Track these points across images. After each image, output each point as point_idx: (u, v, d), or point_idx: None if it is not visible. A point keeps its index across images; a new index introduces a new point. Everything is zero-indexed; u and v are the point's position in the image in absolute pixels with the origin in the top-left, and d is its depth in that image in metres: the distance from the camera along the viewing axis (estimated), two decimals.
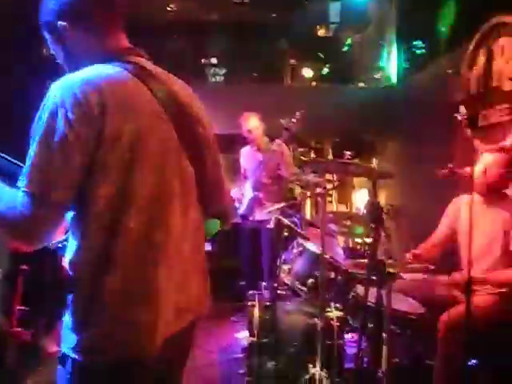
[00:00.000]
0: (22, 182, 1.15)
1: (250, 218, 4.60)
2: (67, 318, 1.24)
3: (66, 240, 1.32)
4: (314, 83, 7.41)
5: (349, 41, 6.41)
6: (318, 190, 2.63)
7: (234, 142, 4.93)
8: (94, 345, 1.20)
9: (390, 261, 2.66)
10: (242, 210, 4.65)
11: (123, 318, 1.21)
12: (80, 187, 1.17)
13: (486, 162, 2.94)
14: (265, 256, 4.49)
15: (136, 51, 1.36)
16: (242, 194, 4.72)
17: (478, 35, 3.75)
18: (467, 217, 2.55)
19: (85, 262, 1.20)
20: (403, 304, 2.86)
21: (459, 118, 2.41)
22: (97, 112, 1.16)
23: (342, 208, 6.96)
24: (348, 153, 2.81)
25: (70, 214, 1.23)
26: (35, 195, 1.13)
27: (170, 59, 7.92)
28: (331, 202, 7.06)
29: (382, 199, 5.85)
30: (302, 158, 7.58)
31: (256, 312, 3.09)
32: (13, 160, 1.40)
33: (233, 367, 3.56)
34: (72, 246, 1.23)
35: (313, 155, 7.37)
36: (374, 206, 2.30)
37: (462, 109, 2.34)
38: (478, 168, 2.95)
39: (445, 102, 4.24)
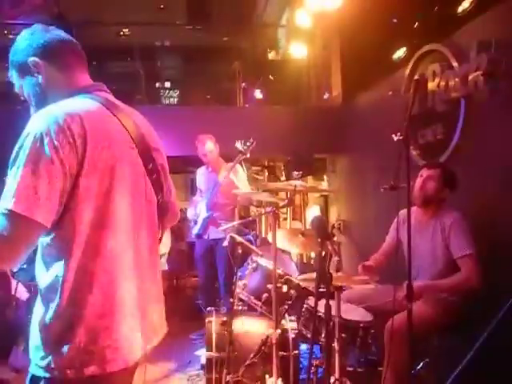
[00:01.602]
0: (3, 205, 1.21)
1: (205, 237, 4.70)
2: (37, 339, 1.30)
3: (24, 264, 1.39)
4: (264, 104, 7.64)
5: (297, 64, 6.67)
6: (268, 209, 2.77)
7: (190, 162, 5.04)
8: (73, 360, 1.27)
9: (338, 274, 2.83)
10: (196, 229, 4.75)
11: (102, 331, 1.29)
12: (62, 211, 1.26)
13: (424, 176, 3.17)
14: (221, 273, 4.58)
15: (101, 87, 1.50)
16: (196, 214, 4.82)
17: (413, 60, 4.06)
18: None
19: (67, 281, 1.27)
20: (353, 313, 3.03)
21: (395, 138, 2.61)
22: (79, 141, 1.27)
23: (296, 224, 7.15)
24: (295, 173, 2.98)
25: (46, 238, 1.30)
26: (21, 215, 1.19)
27: (124, 83, 8.00)
28: (286, 219, 7.26)
29: (334, 214, 6.08)
30: (256, 176, 7.78)
31: (213, 328, 3.19)
32: None
33: (193, 383, 3.64)
34: (50, 268, 1.30)
35: (266, 174, 7.58)
36: (319, 221, 2.45)
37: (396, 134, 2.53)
38: (417, 182, 3.19)
39: (387, 121, 4.52)
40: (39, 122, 1.27)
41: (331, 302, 2.69)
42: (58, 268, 1.28)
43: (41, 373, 1.28)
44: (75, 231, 1.27)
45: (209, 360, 3.10)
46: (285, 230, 4.11)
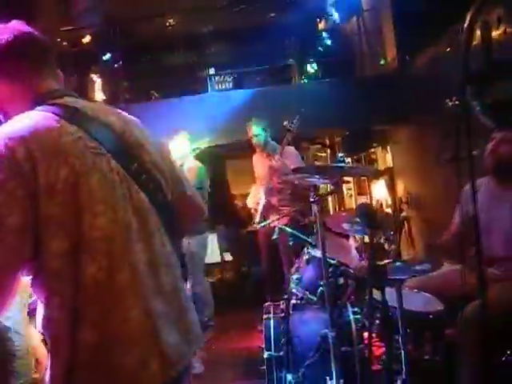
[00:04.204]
0: None
1: (266, 225, 4.51)
2: None
3: None
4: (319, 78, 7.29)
5: (347, 31, 6.26)
6: (312, 196, 2.51)
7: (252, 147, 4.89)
8: None
9: (397, 263, 2.54)
10: (257, 217, 4.58)
11: (105, 371, 1.13)
12: (32, 247, 1.09)
13: (497, 139, 2.78)
14: (283, 263, 4.42)
15: (62, 92, 1.29)
16: (255, 201, 4.65)
17: (472, 9, 3.57)
18: (482, 201, 2.43)
19: (59, 321, 1.12)
20: (418, 302, 2.73)
21: (450, 104, 2.28)
22: (27, 167, 1.09)
23: (363, 200, 6.79)
24: (340, 155, 2.72)
25: (29, 277, 1.16)
26: None
27: (174, 73, 7.97)
28: (351, 196, 6.93)
29: (401, 187, 5.70)
30: (317, 154, 7.50)
31: (271, 325, 3.02)
32: None
33: (257, 381, 3.52)
34: (40, 308, 1.16)
35: (328, 152, 7.27)
36: (365, 210, 2.19)
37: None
38: (488, 147, 2.80)
39: (447, 82, 4.07)
40: None
41: (390, 292, 2.44)
42: (47, 306, 1.13)
43: None
44: (50, 266, 1.10)
45: (268, 360, 2.95)
46: (342, 212, 3.85)
